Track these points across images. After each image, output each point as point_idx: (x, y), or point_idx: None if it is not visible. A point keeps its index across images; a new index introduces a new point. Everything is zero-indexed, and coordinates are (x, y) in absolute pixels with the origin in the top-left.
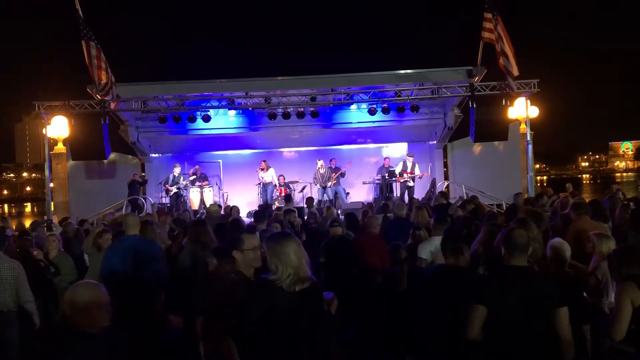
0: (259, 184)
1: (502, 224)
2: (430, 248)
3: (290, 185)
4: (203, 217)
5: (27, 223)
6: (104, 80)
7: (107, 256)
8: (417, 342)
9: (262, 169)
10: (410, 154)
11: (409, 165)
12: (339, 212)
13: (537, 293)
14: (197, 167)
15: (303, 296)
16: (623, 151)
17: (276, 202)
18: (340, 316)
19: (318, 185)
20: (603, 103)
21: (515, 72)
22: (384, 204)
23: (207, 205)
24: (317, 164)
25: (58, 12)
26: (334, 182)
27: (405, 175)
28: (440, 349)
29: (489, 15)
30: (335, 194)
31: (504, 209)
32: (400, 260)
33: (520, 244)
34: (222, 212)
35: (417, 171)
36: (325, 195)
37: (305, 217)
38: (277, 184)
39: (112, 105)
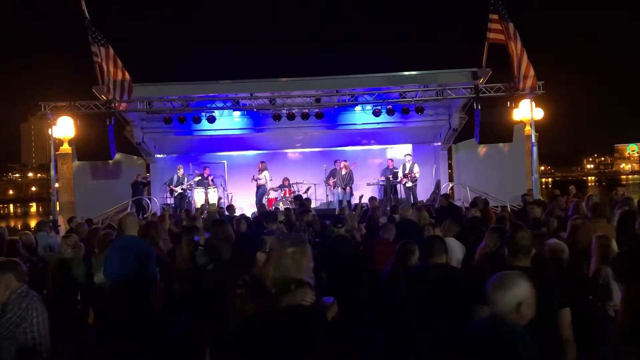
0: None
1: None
2: None
3: (294, 186)
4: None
5: (33, 223)
6: (118, 78)
7: (106, 257)
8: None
9: (259, 171)
10: (407, 154)
11: (408, 166)
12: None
13: (540, 294)
14: (206, 169)
15: (294, 307)
16: (629, 153)
17: (280, 203)
18: (340, 318)
19: (339, 187)
20: (609, 105)
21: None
22: (394, 206)
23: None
24: (341, 164)
25: (64, 13)
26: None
27: (409, 175)
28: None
29: (495, 16)
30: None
31: (509, 210)
32: (408, 257)
33: (523, 246)
34: (226, 212)
35: (415, 169)
36: (340, 196)
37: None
38: (269, 187)
39: (123, 106)
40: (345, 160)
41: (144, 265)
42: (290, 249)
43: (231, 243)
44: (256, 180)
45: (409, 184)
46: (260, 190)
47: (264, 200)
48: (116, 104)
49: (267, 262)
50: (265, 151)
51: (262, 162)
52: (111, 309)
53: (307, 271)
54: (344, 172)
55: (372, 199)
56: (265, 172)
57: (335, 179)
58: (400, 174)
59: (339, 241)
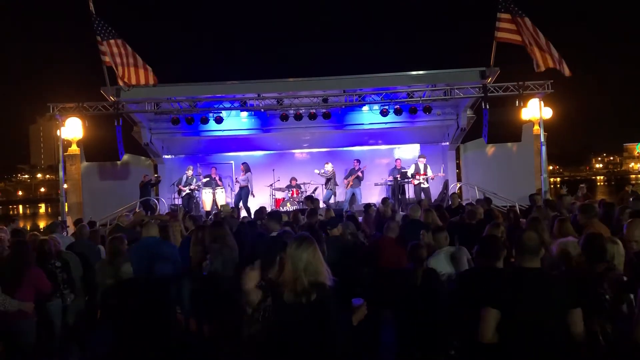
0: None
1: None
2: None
3: (302, 186)
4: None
5: (42, 224)
6: (133, 82)
7: (131, 257)
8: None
9: (242, 172)
10: (422, 155)
11: (421, 167)
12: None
13: (550, 294)
14: (213, 169)
15: (309, 308)
16: (638, 152)
17: (288, 204)
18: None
19: (331, 185)
20: (618, 104)
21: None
22: (366, 205)
23: (219, 207)
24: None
25: (72, 15)
26: (351, 183)
27: (418, 177)
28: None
29: (504, 15)
30: (353, 195)
31: (517, 210)
32: (420, 259)
33: (531, 246)
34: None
35: (429, 172)
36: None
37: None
38: (252, 190)
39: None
40: (327, 162)
41: (163, 266)
42: (300, 250)
43: (226, 244)
44: (238, 182)
45: (425, 185)
46: (244, 192)
47: (272, 201)
48: (124, 105)
49: (283, 268)
50: (272, 151)
51: (243, 163)
52: (126, 308)
53: (326, 272)
54: (328, 173)
55: (384, 200)
56: (248, 174)
57: (351, 177)
58: (410, 173)
59: (332, 242)
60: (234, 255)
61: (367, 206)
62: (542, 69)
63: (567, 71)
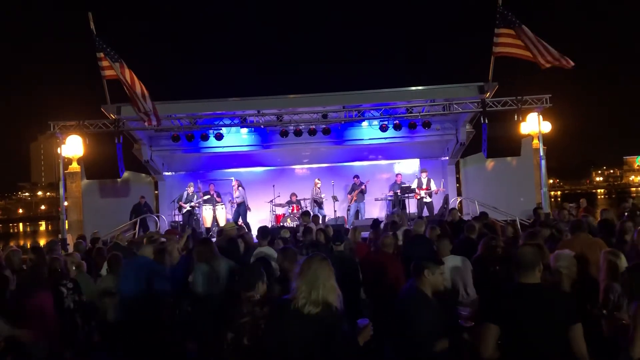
0: (232, 202)
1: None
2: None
3: (302, 202)
4: (215, 234)
5: (42, 241)
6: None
7: (120, 276)
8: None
9: (235, 189)
10: (424, 169)
11: (424, 181)
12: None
13: (549, 310)
14: (211, 185)
15: (318, 320)
16: (638, 165)
17: (288, 219)
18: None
19: (314, 204)
20: (617, 117)
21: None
22: (393, 222)
23: (220, 223)
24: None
25: (73, 34)
26: (355, 198)
27: (420, 191)
28: None
29: (502, 31)
30: (357, 211)
31: (518, 225)
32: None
33: (527, 262)
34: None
35: (432, 186)
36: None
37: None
38: (247, 205)
39: (150, 121)
40: (317, 178)
41: (152, 285)
42: (322, 265)
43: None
44: (234, 202)
45: (428, 199)
46: (242, 209)
47: (272, 217)
48: (124, 122)
49: (299, 280)
50: (272, 167)
51: (236, 180)
52: (122, 326)
53: (337, 294)
54: (315, 190)
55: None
56: (241, 189)
57: (355, 193)
58: (414, 187)
59: (338, 258)
60: (216, 273)
61: (376, 222)
62: (546, 65)
63: (570, 64)
